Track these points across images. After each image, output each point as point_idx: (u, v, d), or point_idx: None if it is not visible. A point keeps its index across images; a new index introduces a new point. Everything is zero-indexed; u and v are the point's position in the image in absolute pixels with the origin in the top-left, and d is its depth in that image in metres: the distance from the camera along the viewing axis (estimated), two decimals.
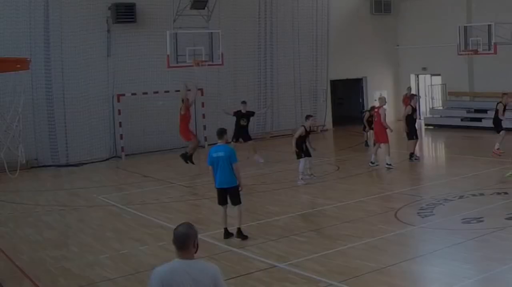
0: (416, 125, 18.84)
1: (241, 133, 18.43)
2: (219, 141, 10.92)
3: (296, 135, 15.59)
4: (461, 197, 13.19)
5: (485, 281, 8.30)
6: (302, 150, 15.51)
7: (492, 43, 22.96)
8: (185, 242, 4.76)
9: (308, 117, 16.23)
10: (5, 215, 13.97)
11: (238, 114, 18.58)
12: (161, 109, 22.33)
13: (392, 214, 12.02)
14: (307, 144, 15.72)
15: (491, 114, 24.52)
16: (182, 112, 17.89)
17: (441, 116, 26.83)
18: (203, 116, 23.49)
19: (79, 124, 21.20)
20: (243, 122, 18.43)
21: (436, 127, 26.40)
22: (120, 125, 21.81)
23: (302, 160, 15.56)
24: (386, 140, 17.30)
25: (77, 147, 21.20)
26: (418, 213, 12.07)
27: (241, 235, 10.89)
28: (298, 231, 11.19)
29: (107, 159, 21.53)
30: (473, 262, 9.12)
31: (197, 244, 4.82)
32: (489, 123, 24.35)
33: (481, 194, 13.31)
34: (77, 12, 21.04)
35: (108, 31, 21.74)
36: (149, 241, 11.14)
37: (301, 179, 15.64)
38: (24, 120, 14.84)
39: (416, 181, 15.76)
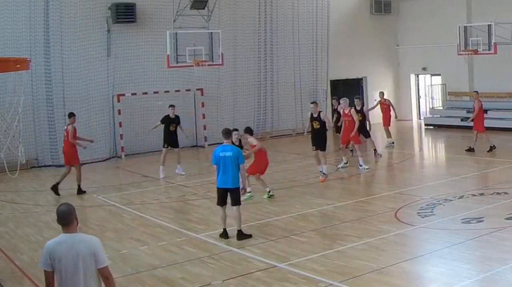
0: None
1: (171, 139, 17.60)
2: (225, 141, 10.89)
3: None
4: (461, 197, 13.19)
5: (485, 281, 8.30)
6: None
7: (492, 43, 22.97)
8: (68, 217, 5.55)
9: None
10: (5, 215, 13.97)
11: (167, 120, 17.66)
12: (161, 109, 22.31)
13: (392, 214, 12.02)
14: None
15: (491, 114, 24.65)
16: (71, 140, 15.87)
17: (441, 116, 26.83)
18: (203, 116, 23.49)
19: (79, 124, 21.10)
20: (172, 128, 17.57)
21: (436, 127, 26.39)
22: (120, 125, 21.81)
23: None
24: (357, 141, 17.39)
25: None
26: (418, 213, 12.07)
27: (242, 236, 10.85)
28: (298, 231, 11.19)
29: (107, 159, 21.53)
30: (473, 262, 9.12)
31: (77, 218, 5.62)
32: (489, 123, 24.42)
33: (481, 194, 13.32)
34: (77, 12, 21.03)
35: (108, 31, 21.74)
36: (149, 241, 11.14)
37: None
38: (24, 120, 14.84)
39: (416, 181, 15.75)
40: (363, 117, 18.52)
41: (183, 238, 11.23)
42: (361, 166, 16.96)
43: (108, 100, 21.91)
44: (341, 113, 18.03)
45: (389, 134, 21.37)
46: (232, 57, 23.89)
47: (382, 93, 22.15)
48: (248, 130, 14.01)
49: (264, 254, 9.93)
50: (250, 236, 10.90)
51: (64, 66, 21.00)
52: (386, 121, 21.47)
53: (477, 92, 20.03)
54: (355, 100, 18.89)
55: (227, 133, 11.02)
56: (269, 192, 14.11)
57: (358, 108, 18.45)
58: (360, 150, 17.35)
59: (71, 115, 16.11)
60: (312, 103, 16.58)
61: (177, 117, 17.79)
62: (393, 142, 21.31)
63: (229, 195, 10.88)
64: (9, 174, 13.18)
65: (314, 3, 26.58)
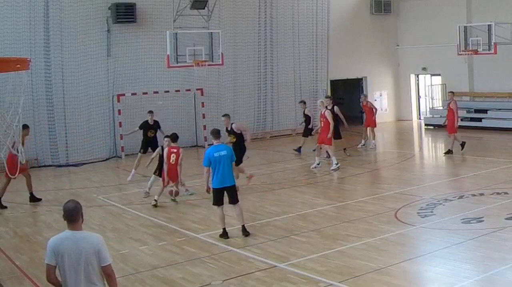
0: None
1: (148, 145, 17.47)
2: (216, 141, 10.96)
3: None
4: (461, 197, 13.19)
5: (485, 281, 8.30)
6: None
7: (492, 43, 22.97)
8: (75, 214, 5.61)
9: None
10: (5, 215, 13.97)
11: (145, 126, 17.61)
12: (161, 109, 22.33)
13: (392, 214, 12.02)
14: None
15: (491, 114, 24.68)
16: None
17: (441, 116, 26.73)
18: (203, 116, 23.49)
19: (79, 124, 21.20)
20: (150, 134, 17.52)
21: (436, 127, 26.38)
22: (120, 125, 21.80)
23: None
24: (330, 143, 17.49)
25: (77, 147, 21.19)
26: (418, 213, 12.07)
27: (246, 231, 10.96)
28: (298, 231, 11.19)
29: (107, 159, 21.52)
30: (473, 262, 9.12)
31: (83, 215, 5.68)
32: (489, 123, 24.47)
33: (481, 194, 13.32)
34: (77, 12, 21.04)
35: (108, 31, 21.74)
36: (149, 241, 11.15)
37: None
38: (24, 120, 14.79)
39: (416, 181, 15.75)
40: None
41: (183, 238, 11.23)
42: (336, 164, 17.12)
43: (108, 100, 21.90)
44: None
45: (373, 136, 21.20)
46: (232, 57, 23.89)
47: (365, 96, 22.34)
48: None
49: (264, 254, 9.93)
50: (249, 233, 11.00)
51: (64, 66, 21.00)
52: (368, 122, 21.33)
53: (453, 92, 19.78)
54: (326, 99, 19.16)
55: (218, 133, 11.09)
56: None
57: (329, 107, 18.37)
58: (330, 150, 17.52)
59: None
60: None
61: (156, 122, 17.68)
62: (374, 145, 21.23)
63: (226, 194, 10.91)
64: (9, 174, 13.16)
65: (314, 3, 26.58)
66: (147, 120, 17.60)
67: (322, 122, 17.45)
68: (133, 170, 17.30)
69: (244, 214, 11.24)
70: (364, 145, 21.35)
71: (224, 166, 10.71)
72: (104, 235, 11.47)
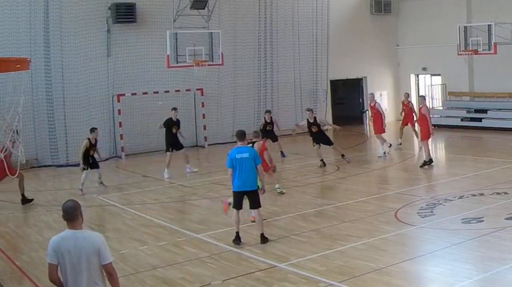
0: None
1: (174, 142, 17.60)
2: (240, 143, 10.53)
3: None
4: (461, 197, 13.19)
5: (485, 281, 8.30)
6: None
7: (492, 43, 22.98)
8: (74, 213, 5.61)
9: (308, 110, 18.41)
10: (5, 215, 13.97)
11: (169, 123, 17.62)
12: (161, 109, 22.33)
13: (392, 214, 12.02)
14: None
15: (491, 114, 24.67)
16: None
17: (441, 116, 26.81)
18: (203, 116, 23.50)
19: (79, 124, 21.18)
20: (174, 130, 17.60)
21: (436, 127, 26.37)
22: (120, 125, 21.81)
23: None
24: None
25: (77, 147, 21.03)
26: (418, 213, 12.07)
27: (265, 239, 10.56)
28: (298, 231, 11.19)
29: (107, 159, 21.51)
30: (473, 262, 9.12)
31: (82, 214, 5.68)
32: (489, 123, 24.47)
33: (481, 194, 13.32)
34: (77, 12, 21.04)
35: (108, 31, 21.74)
36: (149, 241, 11.15)
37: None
38: (24, 120, 14.81)
39: (416, 181, 15.75)
40: (318, 128, 17.90)
41: (183, 238, 11.23)
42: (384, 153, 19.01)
43: (108, 100, 21.90)
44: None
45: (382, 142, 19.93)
46: (232, 57, 23.89)
47: (372, 95, 21.15)
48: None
49: (264, 254, 9.93)
50: (267, 240, 10.60)
51: (64, 66, 21.00)
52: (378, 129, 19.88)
53: (424, 97, 18.23)
54: (307, 112, 18.27)
55: (242, 135, 10.63)
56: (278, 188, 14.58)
57: (311, 121, 17.89)
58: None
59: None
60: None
61: (178, 120, 17.82)
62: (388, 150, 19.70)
63: (247, 198, 10.53)
64: (9, 174, 13.17)
65: (314, 3, 26.57)
66: (171, 117, 17.71)
67: (373, 113, 19.57)
68: (166, 169, 17.41)
69: (243, 213, 11.20)
70: (400, 144, 20.67)
71: (245, 169, 10.24)
72: (104, 235, 11.44)
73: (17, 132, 11.81)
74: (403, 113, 21.10)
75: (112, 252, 5.98)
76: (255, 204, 10.50)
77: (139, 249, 10.64)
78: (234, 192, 10.52)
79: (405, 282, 8.53)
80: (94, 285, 5.58)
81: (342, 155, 18.11)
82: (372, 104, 20.09)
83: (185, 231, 11.67)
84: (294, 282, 8.56)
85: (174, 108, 17.91)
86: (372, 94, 20.95)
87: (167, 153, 17.50)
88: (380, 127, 19.52)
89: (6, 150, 12.03)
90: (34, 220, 13.35)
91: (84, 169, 15.85)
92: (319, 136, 17.98)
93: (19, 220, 13.46)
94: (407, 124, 20.86)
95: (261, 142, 13.01)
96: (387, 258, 9.33)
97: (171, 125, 17.61)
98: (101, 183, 16.49)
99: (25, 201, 14.97)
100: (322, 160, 17.85)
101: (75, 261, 5.52)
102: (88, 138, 16.06)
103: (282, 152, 19.86)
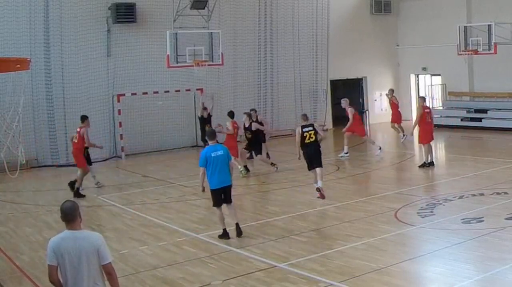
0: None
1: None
2: (211, 142, 10.98)
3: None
4: (461, 197, 13.19)
5: (485, 281, 8.30)
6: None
7: (492, 43, 22.97)
8: (72, 214, 5.62)
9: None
10: (5, 215, 13.97)
11: (202, 119, 18.96)
12: (161, 109, 22.34)
13: (392, 214, 12.02)
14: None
15: (491, 114, 24.67)
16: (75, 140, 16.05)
17: (441, 116, 26.79)
18: None
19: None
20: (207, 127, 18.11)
21: (436, 127, 26.36)
22: (120, 125, 21.81)
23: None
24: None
25: None
26: (418, 213, 12.06)
27: (239, 229, 10.98)
28: (298, 231, 11.19)
29: (107, 159, 21.52)
30: (473, 262, 9.12)
31: (81, 214, 5.69)
32: (489, 123, 24.47)
33: (481, 194, 13.31)
34: (77, 12, 21.04)
35: (108, 31, 21.74)
36: (149, 241, 11.15)
37: None
38: (24, 120, 14.82)
39: (416, 181, 15.74)
40: (252, 134, 17.24)
41: (183, 238, 11.23)
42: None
43: (108, 100, 21.90)
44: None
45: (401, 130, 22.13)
46: (232, 57, 23.89)
47: (391, 91, 23.20)
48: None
49: (264, 254, 9.93)
50: (242, 232, 11.04)
51: (64, 66, 21.00)
52: (397, 119, 22.46)
53: (423, 98, 17.96)
54: (252, 112, 18.03)
55: (213, 134, 11.18)
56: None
57: (247, 125, 17.31)
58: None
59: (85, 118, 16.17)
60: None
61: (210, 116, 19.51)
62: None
63: (224, 194, 10.89)
64: (9, 174, 13.18)
65: (314, 3, 26.57)
66: (202, 115, 19.20)
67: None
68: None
69: (244, 214, 11.24)
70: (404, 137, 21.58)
71: (223, 166, 10.71)
72: (104, 235, 11.46)
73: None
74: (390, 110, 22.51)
75: (112, 252, 5.99)
76: (230, 198, 10.96)
77: (139, 249, 10.64)
78: (214, 190, 10.86)
79: (405, 282, 8.53)
80: (94, 285, 5.59)
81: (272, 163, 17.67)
82: (390, 97, 22.50)
83: (185, 231, 11.67)
84: (294, 282, 8.56)
85: (205, 108, 19.47)
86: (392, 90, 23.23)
87: (205, 144, 18.14)
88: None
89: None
90: (34, 220, 13.35)
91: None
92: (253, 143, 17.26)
93: (19, 220, 13.46)
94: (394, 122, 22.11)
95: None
96: (387, 258, 9.33)
97: (204, 122, 19.12)
98: (97, 183, 16.47)
99: (78, 195, 15.18)
100: (245, 166, 17.22)
101: (75, 261, 5.52)
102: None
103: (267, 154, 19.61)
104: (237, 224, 11.02)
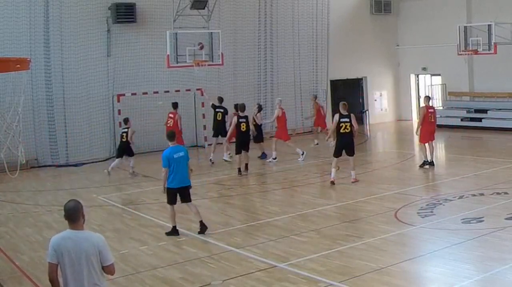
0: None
1: (220, 129, 19.50)
2: (172, 143, 11.30)
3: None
4: (461, 197, 13.19)
5: (485, 281, 8.31)
6: None
7: (492, 43, 22.97)
8: (75, 213, 5.62)
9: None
10: (5, 215, 13.97)
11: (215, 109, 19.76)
12: (161, 109, 22.32)
13: (392, 214, 12.02)
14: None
15: (491, 114, 24.68)
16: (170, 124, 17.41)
17: (441, 116, 26.74)
18: (203, 116, 23.47)
19: (79, 124, 21.19)
20: (219, 117, 19.47)
21: (436, 127, 26.36)
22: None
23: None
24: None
25: (77, 147, 21.18)
26: (418, 213, 12.07)
27: (204, 226, 11.25)
28: (298, 231, 11.19)
29: (107, 159, 21.50)
30: (473, 262, 9.12)
31: (84, 215, 5.68)
32: (489, 123, 24.48)
33: (481, 194, 13.32)
34: (77, 12, 21.03)
35: (108, 31, 21.73)
36: (149, 241, 11.15)
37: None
38: (24, 120, 14.83)
39: (416, 181, 15.75)
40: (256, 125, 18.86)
41: (183, 238, 11.23)
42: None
43: (108, 100, 21.90)
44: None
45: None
46: (232, 57, 23.88)
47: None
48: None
49: (264, 254, 9.93)
50: (206, 227, 11.29)
51: (64, 66, 20.99)
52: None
53: (427, 97, 17.66)
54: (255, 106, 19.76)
55: (173, 135, 11.53)
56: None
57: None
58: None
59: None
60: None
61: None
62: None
63: (181, 194, 11.21)
64: (9, 174, 13.18)
65: (314, 3, 26.57)
66: (213, 103, 19.88)
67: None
68: (225, 154, 19.37)
69: (244, 214, 11.24)
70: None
71: (183, 167, 11.07)
72: (104, 235, 11.43)
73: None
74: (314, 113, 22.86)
75: (112, 252, 5.99)
76: (188, 198, 11.30)
77: (139, 249, 10.64)
78: (171, 189, 11.18)
79: (405, 282, 8.53)
80: (94, 286, 5.59)
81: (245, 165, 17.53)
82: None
83: (185, 231, 11.66)
84: (294, 282, 8.56)
85: (220, 103, 19.81)
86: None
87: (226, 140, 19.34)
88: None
89: None
90: (34, 220, 13.34)
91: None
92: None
93: (19, 220, 13.45)
94: (317, 126, 22.55)
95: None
96: (387, 258, 9.33)
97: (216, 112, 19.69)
98: (133, 172, 17.96)
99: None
100: (239, 168, 17.19)
101: (75, 261, 5.53)
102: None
103: (263, 153, 19.72)
104: (201, 222, 11.29)
